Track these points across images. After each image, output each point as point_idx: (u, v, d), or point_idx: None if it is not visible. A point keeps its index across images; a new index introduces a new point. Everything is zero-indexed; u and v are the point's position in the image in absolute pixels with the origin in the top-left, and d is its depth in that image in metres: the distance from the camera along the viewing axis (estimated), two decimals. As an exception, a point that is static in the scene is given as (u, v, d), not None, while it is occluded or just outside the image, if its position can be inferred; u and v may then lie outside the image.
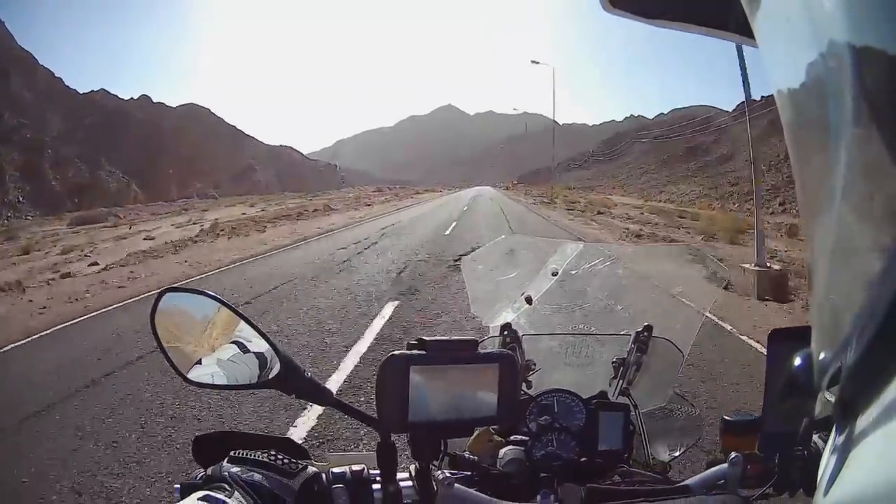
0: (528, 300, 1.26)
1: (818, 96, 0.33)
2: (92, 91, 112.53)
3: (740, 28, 0.41)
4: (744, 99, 7.85)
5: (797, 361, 0.39)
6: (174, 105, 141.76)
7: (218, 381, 0.64)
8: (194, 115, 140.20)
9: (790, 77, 0.37)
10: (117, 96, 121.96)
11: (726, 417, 0.66)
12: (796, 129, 0.38)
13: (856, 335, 0.29)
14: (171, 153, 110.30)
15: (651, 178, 71.62)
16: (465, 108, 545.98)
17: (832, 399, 0.34)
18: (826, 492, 0.33)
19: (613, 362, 1.13)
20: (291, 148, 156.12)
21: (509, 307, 1.28)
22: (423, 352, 0.63)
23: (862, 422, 0.31)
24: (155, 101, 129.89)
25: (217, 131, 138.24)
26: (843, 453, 0.33)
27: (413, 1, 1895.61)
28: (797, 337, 0.46)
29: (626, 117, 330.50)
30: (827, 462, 0.36)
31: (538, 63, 46.52)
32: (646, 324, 1.15)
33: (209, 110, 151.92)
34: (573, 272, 1.35)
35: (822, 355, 0.35)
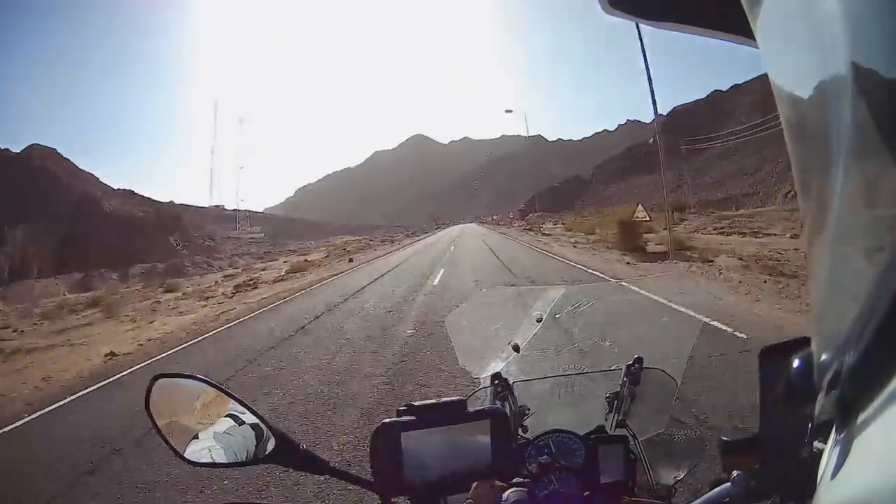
0: (516, 348, 1.29)
1: (818, 97, 0.32)
2: None
3: (740, 28, 0.40)
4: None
5: (796, 363, 0.39)
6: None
7: (217, 459, 0.65)
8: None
9: (790, 78, 0.37)
10: None
11: (724, 438, 0.66)
12: (796, 130, 0.38)
13: (856, 335, 0.29)
14: None
15: None
16: (437, 137, 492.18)
17: (832, 400, 0.34)
18: (827, 490, 0.33)
19: (607, 397, 1.14)
20: (130, 191, 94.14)
21: (497, 357, 1.31)
22: (413, 417, 0.64)
23: (862, 421, 0.31)
24: None
25: None
26: (843, 452, 0.32)
27: (372, 27, 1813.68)
28: (788, 352, 0.46)
29: (620, 125, 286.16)
30: (827, 461, 0.36)
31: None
32: (636, 356, 1.15)
33: (55, 151, 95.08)
34: (557, 316, 1.38)
35: (822, 356, 0.35)
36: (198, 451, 0.65)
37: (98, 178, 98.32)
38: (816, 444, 0.56)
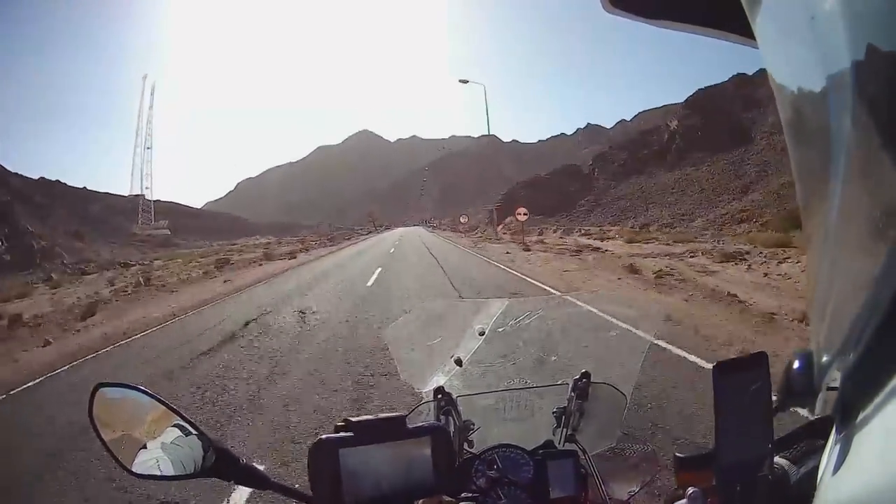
0: (458, 362, 1.27)
1: (818, 96, 0.32)
2: None
3: (740, 28, 0.40)
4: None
5: (797, 363, 0.39)
6: None
7: (162, 471, 0.65)
8: None
9: (790, 77, 0.37)
10: None
11: (679, 454, 0.65)
12: (796, 129, 0.38)
13: (855, 335, 0.30)
14: None
15: None
16: (384, 133, 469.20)
17: (832, 399, 0.34)
18: (828, 489, 0.34)
19: (554, 412, 1.12)
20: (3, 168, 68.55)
21: (440, 371, 1.28)
22: (351, 433, 0.64)
23: (862, 420, 0.31)
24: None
25: None
26: (843, 451, 0.33)
27: (321, 21, 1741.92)
28: (741, 368, 0.47)
29: (580, 128, 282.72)
30: (827, 461, 0.36)
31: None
32: (583, 370, 1.13)
33: None
34: (500, 329, 1.35)
35: (822, 356, 0.36)
36: (145, 462, 0.65)
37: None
38: (777, 459, 0.56)
